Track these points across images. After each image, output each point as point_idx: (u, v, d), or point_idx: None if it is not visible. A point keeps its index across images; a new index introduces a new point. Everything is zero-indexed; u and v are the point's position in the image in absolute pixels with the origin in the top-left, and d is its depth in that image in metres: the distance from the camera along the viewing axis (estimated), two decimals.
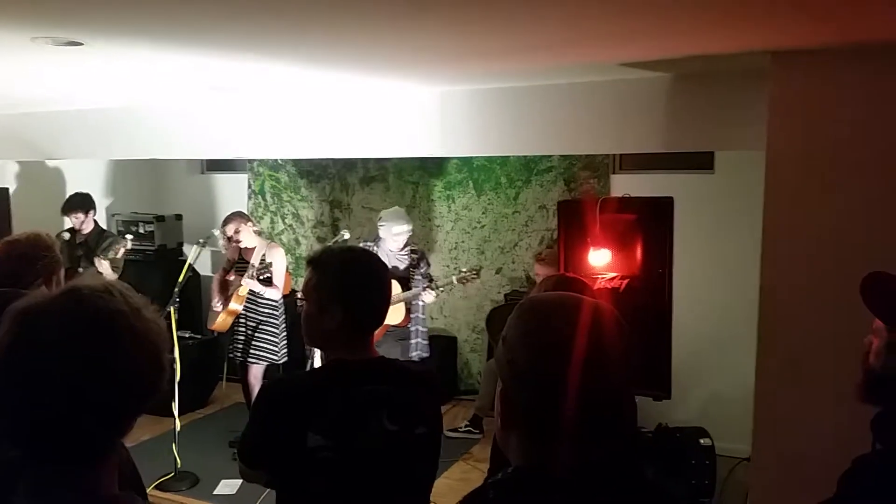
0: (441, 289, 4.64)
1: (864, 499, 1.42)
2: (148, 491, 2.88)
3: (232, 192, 6.78)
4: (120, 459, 1.10)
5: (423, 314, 4.70)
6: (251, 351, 4.81)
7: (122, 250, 4.85)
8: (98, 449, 1.02)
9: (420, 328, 4.67)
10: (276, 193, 6.74)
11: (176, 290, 4.48)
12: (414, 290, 4.55)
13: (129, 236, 5.02)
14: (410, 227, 4.63)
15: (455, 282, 4.65)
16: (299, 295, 1.89)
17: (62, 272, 2.49)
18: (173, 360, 4.38)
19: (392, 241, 4.55)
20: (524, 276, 5.84)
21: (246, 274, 4.69)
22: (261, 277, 4.70)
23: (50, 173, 6.28)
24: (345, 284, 1.82)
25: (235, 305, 4.76)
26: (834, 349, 2.49)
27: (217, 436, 5.15)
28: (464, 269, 4.76)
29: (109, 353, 0.98)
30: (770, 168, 2.69)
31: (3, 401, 0.97)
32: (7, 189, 5.45)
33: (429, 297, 4.61)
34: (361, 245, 4.69)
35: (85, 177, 6.56)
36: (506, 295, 5.78)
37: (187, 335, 5.75)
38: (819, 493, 1.49)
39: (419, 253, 4.73)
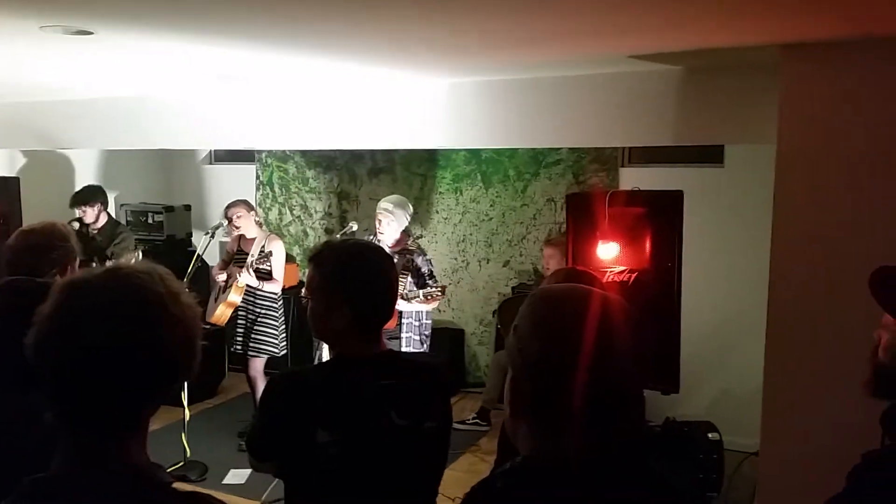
0: (411, 301, 4.33)
1: (874, 494, 1.42)
2: None
3: (240, 183, 6.80)
4: None
5: (416, 320, 4.44)
6: (251, 344, 4.79)
7: (132, 260, 4.85)
8: (128, 422, 1.06)
9: (412, 336, 4.42)
10: (284, 184, 6.75)
11: (185, 280, 4.49)
12: None
13: (140, 251, 4.97)
14: (392, 211, 4.37)
15: (421, 296, 4.33)
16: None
17: (77, 262, 2.50)
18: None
19: (378, 225, 4.42)
20: (532, 269, 5.84)
21: (245, 264, 4.65)
22: (259, 267, 4.66)
23: (58, 162, 6.32)
24: (349, 283, 1.80)
25: (234, 297, 4.71)
26: (843, 344, 2.48)
27: (226, 426, 5.18)
28: (431, 286, 4.44)
29: (143, 332, 1.03)
30: (780, 162, 2.67)
31: (44, 367, 1.03)
32: (17, 178, 5.48)
33: (402, 304, 4.28)
34: (338, 238, 4.52)
35: (94, 166, 6.61)
36: (513, 288, 5.78)
37: None
38: (827, 489, 1.49)
39: (413, 254, 4.44)
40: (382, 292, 1.84)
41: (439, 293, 4.37)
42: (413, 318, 4.47)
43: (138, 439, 1.08)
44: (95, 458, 1.03)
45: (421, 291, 4.36)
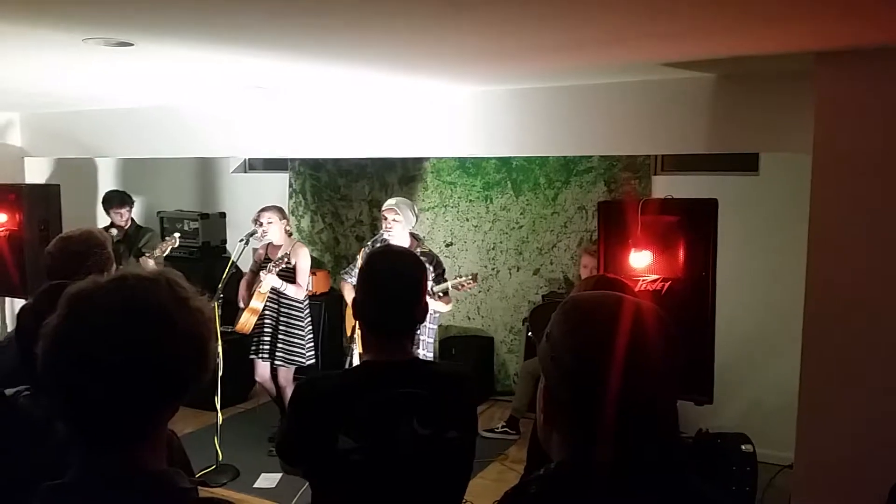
0: (438, 294, 4.28)
1: None
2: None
3: (273, 191, 6.87)
4: (171, 447, 1.13)
5: (430, 323, 4.41)
6: (277, 353, 4.75)
7: (168, 248, 4.95)
8: (140, 430, 1.05)
9: (425, 338, 4.36)
10: (317, 192, 6.82)
11: (220, 286, 4.56)
12: None
13: (176, 234, 5.10)
14: (395, 206, 4.34)
15: (451, 287, 4.30)
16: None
17: (113, 268, 2.57)
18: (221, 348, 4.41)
19: (384, 222, 4.38)
20: (562, 277, 5.81)
21: (265, 270, 4.61)
22: (279, 269, 4.60)
23: (97, 170, 6.46)
24: (358, 291, 1.87)
25: (257, 304, 4.67)
26: (880, 355, 2.44)
27: (257, 430, 5.23)
28: (461, 276, 4.43)
29: (147, 343, 1.02)
30: (816, 170, 2.64)
31: (52, 380, 1.03)
32: (58, 186, 5.60)
33: (438, 306, 4.26)
34: (368, 245, 4.54)
35: (131, 174, 6.74)
36: (544, 296, 5.76)
37: (229, 330, 5.86)
38: (863, 502, 1.46)
39: (428, 258, 4.31)
40: (389, 302, 1.82)
41: (471, 281, 4.27)
42: (424, 333, 4.37)
43: (154, 446, 1.07)
44: (109, 467, 1.03)
45: (450, 282, 4.25)
